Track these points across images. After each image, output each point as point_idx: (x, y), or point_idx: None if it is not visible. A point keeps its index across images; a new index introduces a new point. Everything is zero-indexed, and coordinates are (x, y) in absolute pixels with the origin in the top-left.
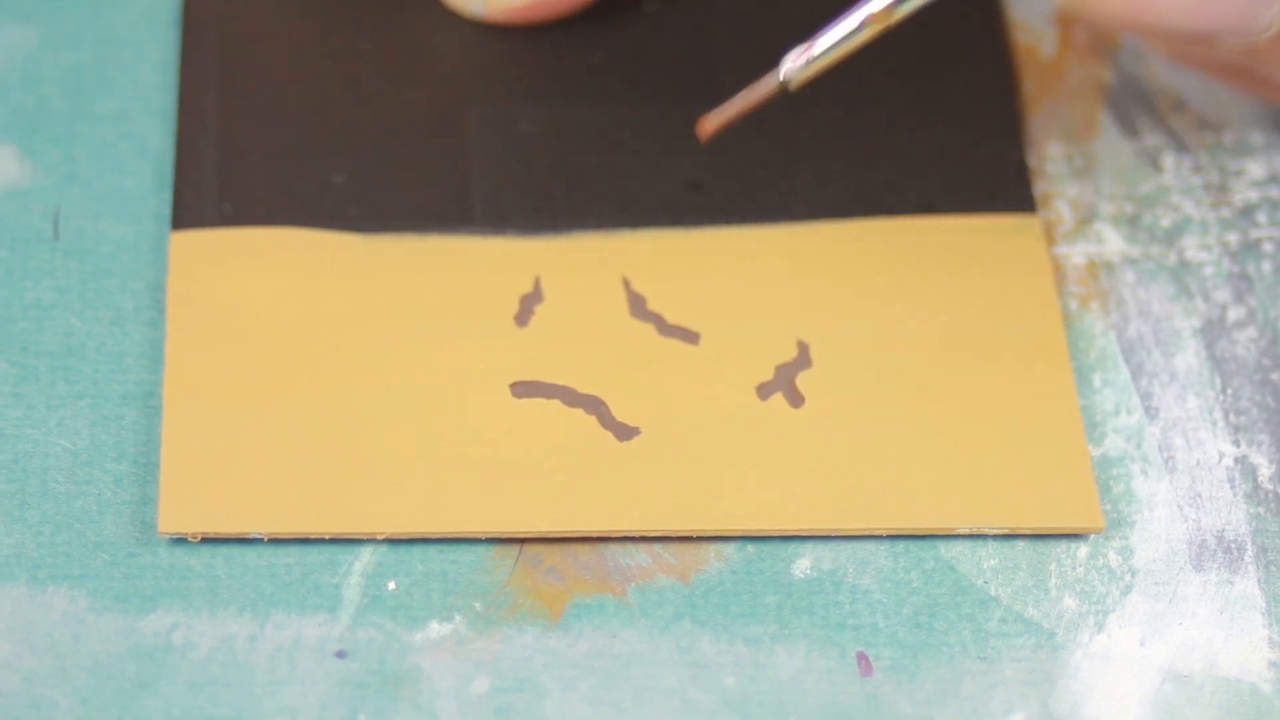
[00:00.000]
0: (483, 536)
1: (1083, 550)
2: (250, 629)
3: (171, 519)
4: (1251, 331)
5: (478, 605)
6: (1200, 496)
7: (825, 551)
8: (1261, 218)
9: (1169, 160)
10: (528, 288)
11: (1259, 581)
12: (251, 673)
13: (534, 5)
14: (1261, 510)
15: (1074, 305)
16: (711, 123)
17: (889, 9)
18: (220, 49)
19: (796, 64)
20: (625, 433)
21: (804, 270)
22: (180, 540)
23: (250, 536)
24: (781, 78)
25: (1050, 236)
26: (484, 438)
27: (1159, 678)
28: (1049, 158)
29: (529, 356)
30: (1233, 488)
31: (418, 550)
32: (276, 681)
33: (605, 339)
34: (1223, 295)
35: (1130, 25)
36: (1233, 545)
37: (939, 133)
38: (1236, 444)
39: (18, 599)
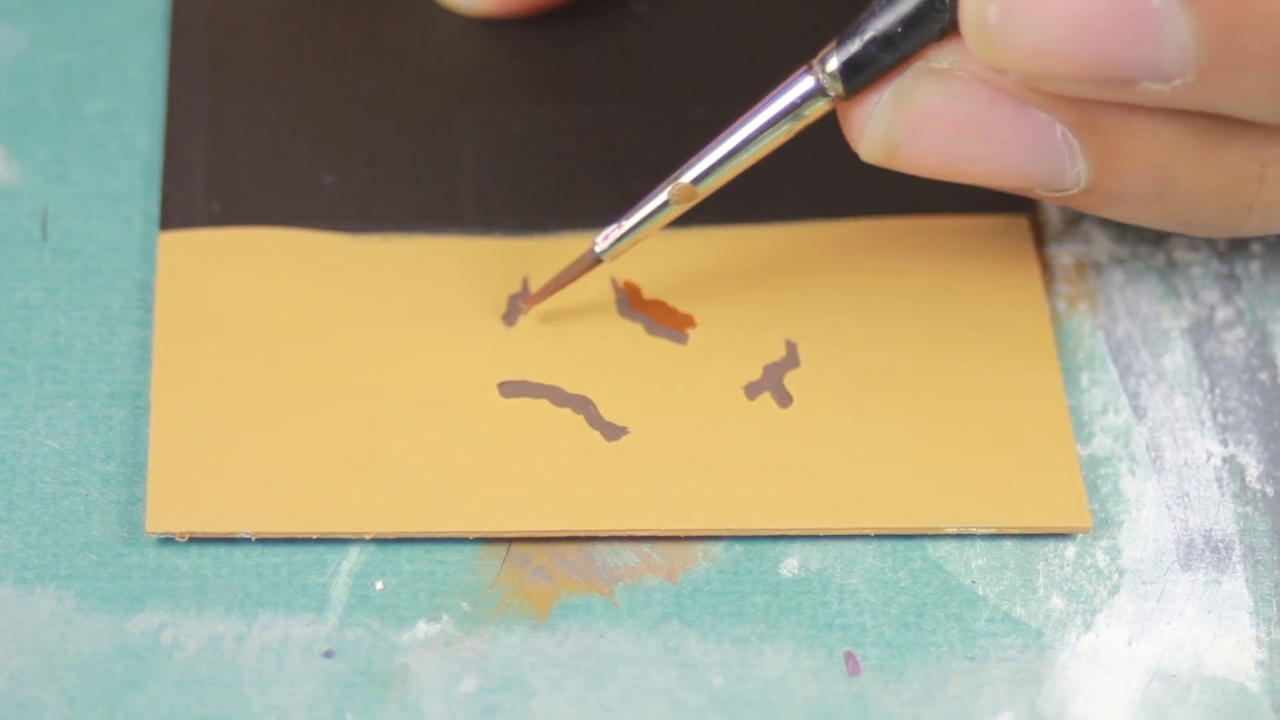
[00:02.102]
0: (470, 536)
1: (1070, 550)
2: (238, 629)
3: (159, 519)
4: (1240, 331)
5: (465, 605)
6: (1188, 496)
7: (813, 551)
8: None
9: None
10: (516, 287)
11: (1246, 581)
12: (239, 673)
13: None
14: (1249, 510)
15: (1062, 305)
16: (534, 300)
17: (691, 186)
18: (209, 49)
19: (609, 240)
20: (613, 432)
21: (792, 270)
22: (168, 540)
23: (238, 536)
24: (596, 251)
25: (1039, 237)
26: (472, 437)
27: (1146, 677)
28: None
29: (517, 356)
30: (1220, 487)
31: (405, 550)
32: (264, 681)
33: (593, 339)
34: (1211, 296)
35: (940, 176)
36: (1220, 545)
37: None
38: (1224, 444)
39: (5, 599)
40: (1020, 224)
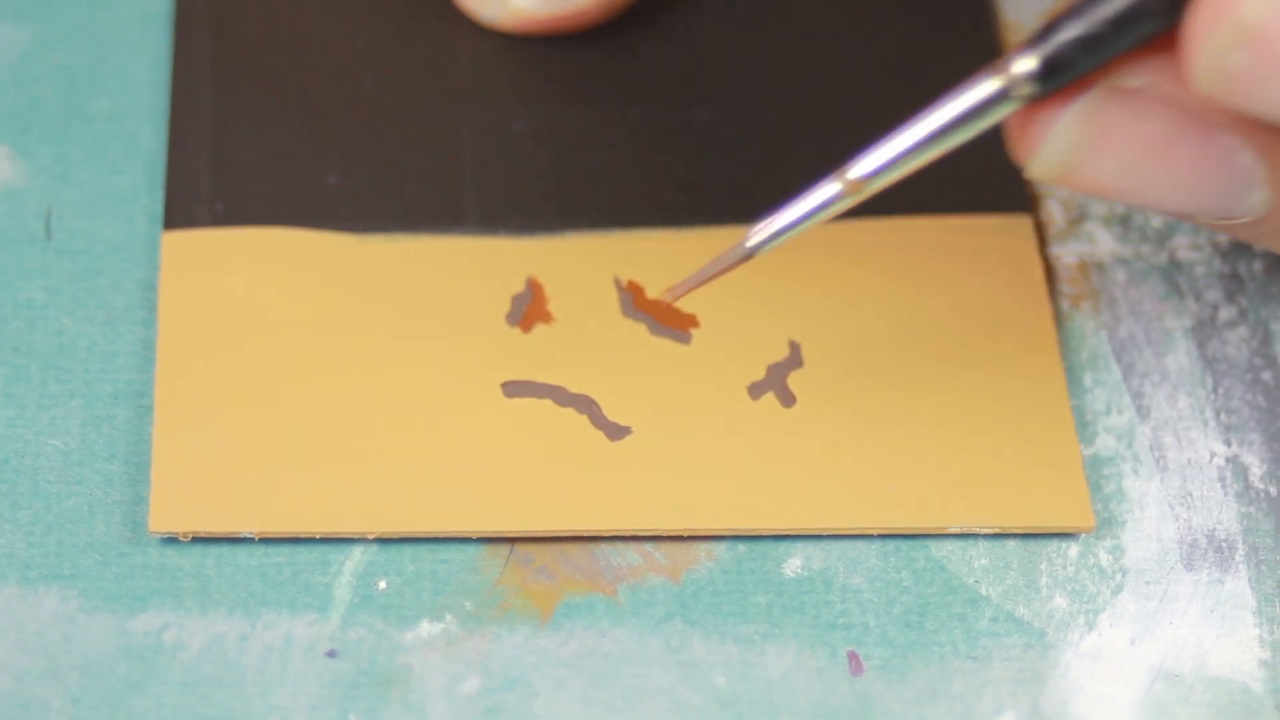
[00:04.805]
0: (474, 536)
1: (1073, 549)
2: (241, 628)
3: (162, 518)
4: (1243, 331)
5: (468, 604)
6: (1191, 496)
7: (816, 551)
8: None
9: None
10: (519, 288)
11: (1250, 581)
12: (242, 672)
13: (553, 19)
14: (1252, 510)
15: (1065, 305)
16: (678, 291)
17: (858, 182)
18: (213, 49)
19: (762, 235)
20: (616, 432)
21: (795, 270)
22: (171, 540)
23: (241, 536)
24: (748, 246)
25: (1042, 237)
26: (475, 437)
27: (1150, 677)
28: None
29: (520, 356)
30: (1224, 487)
31: (408, 549)
32: (267, 681)
33: (597, 339)
34: (1214, 295)
35: (1109, 198)
36: (1224, 544)
37: None
38: (1228, 443)
39: (8, 599)
40: (1023, 224)
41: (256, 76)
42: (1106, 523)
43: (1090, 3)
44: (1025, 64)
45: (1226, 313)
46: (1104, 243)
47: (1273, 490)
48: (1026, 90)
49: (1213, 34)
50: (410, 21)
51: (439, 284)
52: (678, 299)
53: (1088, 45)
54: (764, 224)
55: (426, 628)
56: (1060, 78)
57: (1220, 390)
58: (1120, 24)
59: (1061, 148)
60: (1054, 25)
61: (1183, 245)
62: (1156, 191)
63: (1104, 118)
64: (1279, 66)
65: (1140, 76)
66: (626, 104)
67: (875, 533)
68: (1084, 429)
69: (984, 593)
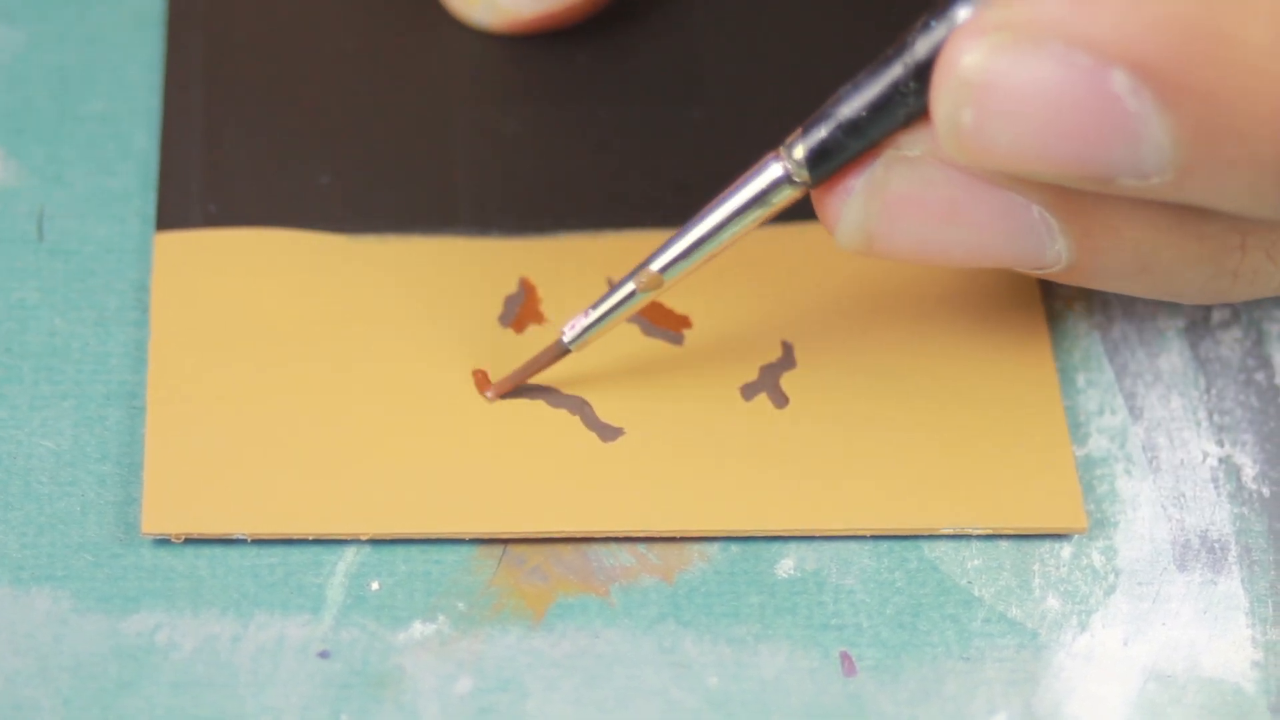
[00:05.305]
0: (466, 537)
1: (1066, 550)
2: (233, 629)
3: (155, 520)
4: (1236, 332)
5: (461, 605)
6: (1184, 496)
7: (809, 552)
8: None
9: None
10: (512, 288)
11: (1242, 581)
12: (234, 673)
13: (543, 17)
14: (1245, 510)
15: (1058, 305)
16: (501, 387)
17: (658, 274)
18: (205, 50)
19: (576, 330)
20: (609, 433)
21: (788, 271)
22: (163, 541)
23: (234, 537)
24: (564, 341)
25: None
26: (468, 438)
27: (1142, 678)
28: None
29: (513, 357)
30: (1216, 488)
31: (401, 550)
32: (259, 682)
33: (589, 339)
34: None
35: (918, 262)
36: (1216, 545)
37: None
38: (1220, 444)
39: (0, 600)
40: None
41: (248, 77)
42: (1099, 523)
43: (851, 90)
44: (799, 150)
45: (1219, 313)
46: None
47: (1265, 491)
48: (805, 173)
49: (943, 95)
50: (403, 22)
51: (431, 285)
52: (499, 396)
53: (853, 130)
54: (575, 321)
55: (419, 628)
56: (832, 161)
57: (1213, 391)
58: (879, 108)
59: (857, 219)
60: (822, 112)
61: None
62: (959, 252)
63: (891, 187)
64: (1004, 119)
65: (919, 144)
66: (619, 104)
67: (868, 533)
68: (1076, 429)
69: (977, 593)
